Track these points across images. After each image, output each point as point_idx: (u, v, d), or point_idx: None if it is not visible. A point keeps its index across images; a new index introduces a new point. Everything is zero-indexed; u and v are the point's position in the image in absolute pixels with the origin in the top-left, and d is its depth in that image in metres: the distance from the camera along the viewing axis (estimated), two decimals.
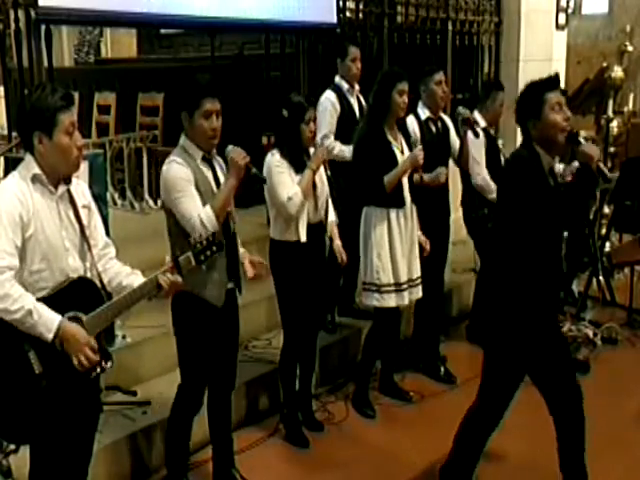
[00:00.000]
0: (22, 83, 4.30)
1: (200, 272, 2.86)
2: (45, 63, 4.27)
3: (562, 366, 3.07)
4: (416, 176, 4.10)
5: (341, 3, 5.87)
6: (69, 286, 2.44)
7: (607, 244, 6.24)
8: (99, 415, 2.75)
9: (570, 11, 7.83)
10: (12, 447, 3.03)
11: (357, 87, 4.75)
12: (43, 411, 2.39)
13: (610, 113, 7.09)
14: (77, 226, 2.50)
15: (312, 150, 3.67)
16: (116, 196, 6.28)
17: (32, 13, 4.08)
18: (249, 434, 3.91)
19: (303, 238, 3.60)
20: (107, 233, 2.85)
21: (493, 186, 4.55)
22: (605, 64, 8.01)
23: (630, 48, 7.38)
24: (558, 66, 6.98)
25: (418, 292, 4.12)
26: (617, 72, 7.15)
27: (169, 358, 4.02)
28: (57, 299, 2.40)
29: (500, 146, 5.07)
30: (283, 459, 3.79)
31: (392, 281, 3.97)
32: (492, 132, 4.95)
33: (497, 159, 4.81)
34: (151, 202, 6.14)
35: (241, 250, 3.27)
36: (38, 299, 2.35)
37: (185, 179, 2.97)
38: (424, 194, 4.16)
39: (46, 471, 2.52)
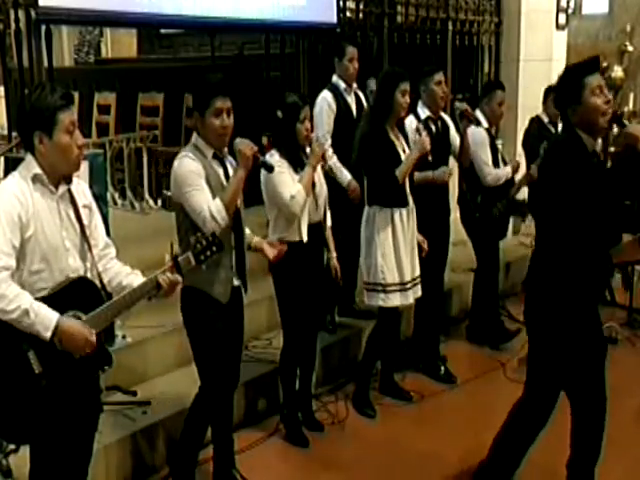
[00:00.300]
0: (22, 83, 4.31)
1: (207, 269, 2.85)
2: (45, 63, 4.27)
3: (597, 367, 2.96)
4: (420, 175, 4.11)
5: (341, 3, 5.87)
6: (69, 286, 2.43)
7: None
8: (99, 415, 2.74)
9: (570, 11, 7.82)
10: (12, 447, 3.03)
11: (355, 85, 4.75)
12: (43, 411, 2.39)
13: None
14: (77, 226, 2.50)
15: (309, 149, 3.67)
16: (116, 196, 6.28)
17: (32, 13, 4.09)
18: (249, 434, 3.90)
19: (305, 237, 3.61)
20: (107, 233, 2.84)
21: (502, 173, 4.80)
22: (605, 64, 8.01)
23: (630, 48, 7.39)
24: (558, 66, 6.97)
25: (418, 291, 4.12)
26: (617, 72, 7.16)
27: (169, 358, 4.03)
28: (57, 299, 2.39)
29: (499, 146, 5.08)
30: (283, 459, 3.79)
31: (397, 280, 3.97)
32: (492, 132, 4.96)
33: (496, 159, 4.83)
34: (151, 202, 6.15)
35: (253, 236, 3.33)
36: (37, 299, 2.35)
37: (196, 173, 2.99)
38: (424, 194, 4.16)
39: (46, 471, 2.52)
